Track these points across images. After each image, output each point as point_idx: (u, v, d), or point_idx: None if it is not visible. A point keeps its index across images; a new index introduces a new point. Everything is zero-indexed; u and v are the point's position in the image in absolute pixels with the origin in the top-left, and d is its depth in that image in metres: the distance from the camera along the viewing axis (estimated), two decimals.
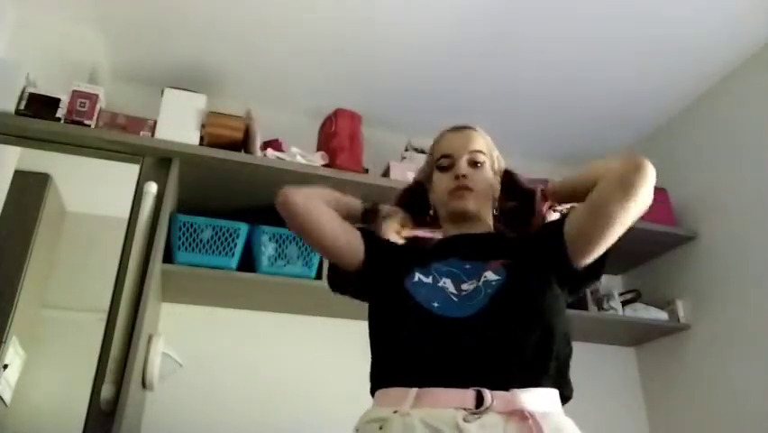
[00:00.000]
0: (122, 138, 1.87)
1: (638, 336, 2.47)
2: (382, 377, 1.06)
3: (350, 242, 1.20)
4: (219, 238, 1.89)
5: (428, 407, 0.92)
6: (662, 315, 2.35)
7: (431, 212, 1.31)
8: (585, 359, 2.55)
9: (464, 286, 1.08)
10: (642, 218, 2.50)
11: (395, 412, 0.94)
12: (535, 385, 0.97)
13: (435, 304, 1.04)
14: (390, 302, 1.10)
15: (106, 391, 1.51)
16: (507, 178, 1.32)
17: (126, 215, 1.77)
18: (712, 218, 2.33)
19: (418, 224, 1.35)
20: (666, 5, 2.03)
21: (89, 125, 1.87)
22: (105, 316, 1.64)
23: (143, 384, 1.73)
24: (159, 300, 1.98)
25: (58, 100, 1.87)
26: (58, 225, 1.94)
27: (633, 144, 2.75)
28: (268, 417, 2.02)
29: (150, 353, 1.74)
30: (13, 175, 1.86)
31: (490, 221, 1.27)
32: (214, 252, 1.88)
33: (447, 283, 1.09)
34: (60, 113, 1.86)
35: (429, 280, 1.10)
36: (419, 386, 0.95)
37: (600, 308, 2.27)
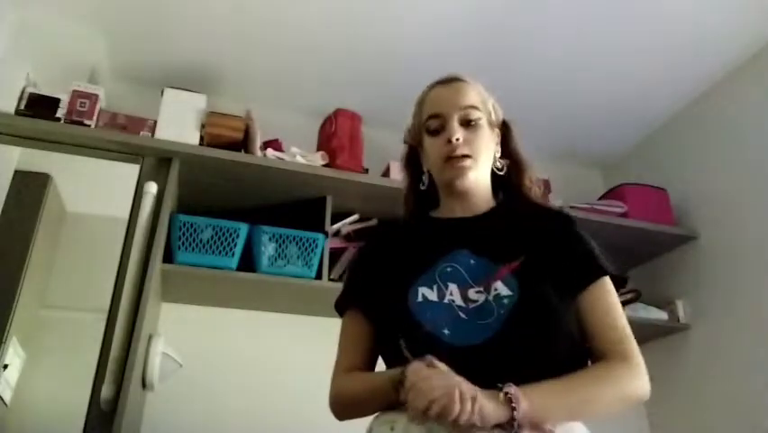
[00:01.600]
0: (122, 138, 1.87)
1: (638, 336, 2.45)
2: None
3: (371, 348, 1.09)
4: (219, 238, 1.89)
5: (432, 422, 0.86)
6: (662, 315, 2.34)
7: (424, 177, 1.18)
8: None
9: (471, 294, 0.99)
10: (642, 218, 2.50)
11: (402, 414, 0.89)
12: None
13: (446, 331, 0.95)
14: (398, 328, 1.00)
15: (106, 391, 1.51)
16: (506, 130, 1.21)
17: (126, 215, 1.77)
18: (712, 218, 2.32)
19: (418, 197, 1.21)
20: (666, 5, 2.03)
21: (89, 125, 1.87)
22: (105, 316, 1.64)
23: (143, 384, 1.73)
24: (159, 300, 1.98)
25: (58, 100, 1.87)
26: (58, 225, 1.94)
27: (633, 144, 2.75)
28: (268, 417, 2.02)
29: (150, 353, 1.74)
30: (13, 175, 1.86)
31: (489, 187, 1.16)
32: (214, 252, 1.88)
33: (454, 293, 1.00)
34: (60, 113, 1.86)
35: (434, 295, 1.00)
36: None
37: None
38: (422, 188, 1.18)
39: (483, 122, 1.13)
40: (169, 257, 1.83)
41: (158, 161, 1.89)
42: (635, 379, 1.00)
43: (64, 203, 1.95)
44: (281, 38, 2.19)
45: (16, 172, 1.87)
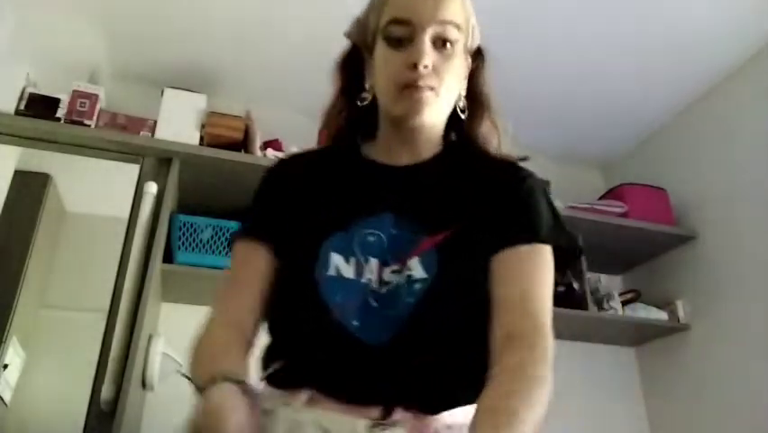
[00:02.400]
0: (122, 138, 1.87)
1: (638, 336, 2.47)
2: (275, 371, 0.79)
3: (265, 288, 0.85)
4: (219, 238, 1.89)
5: (323, 409, 0.73)
6: (662, 315, 2.34)
7: (365, 94, 0.91)
8: (585, 359, 2.57)
9: (387, 274, 0.79)
10: (642, 218, 2.50)
11: (284, 405, 0.74)
12: (456, 405, 0.75)
13: (355, 322, 0.76)
14: (300, 304, 0.80)
15: (106, 391, 1.51)
16: (479, 62, 0.96)
17: (126, 215, 1.78)
18: (712, 218, 2.32)
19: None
20: (666, 6, 2.03)
21: (89, 125, 1.87)
22: (105, 316, 1.64)
23: (143, 384, 1.73)
24: (159, 300, 1.98)
25: (58, 100, 1.87)
26: (58, 225, 1.94)
27: (633, 144, 2.75)
28: None
29: (150, 353, 1.74)
30: (13, 175, 1.86)
31: (443, 130, 0.92)
32: (214, 252, 1.88)
33: (373, 269, 0.79)
34: (60, 113, 1.86)
35: (351, 271, 0.79)
36: (317, 390, 0.74)
37: (600, 308, 2.27)
38: (359, 104, 0.91)
39: (460, 47, 0.87)
40: (169, 257, 1.83)
41: (158, 161, 1.89)
42: (547, 384, 0.72)
43: (64, 203, 1.95)
44: (281, 38, 2.19)
45: (16, 172, 1.87)
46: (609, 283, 2.52)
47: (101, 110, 1.93)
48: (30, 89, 1.86)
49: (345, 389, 0.73)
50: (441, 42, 0.85)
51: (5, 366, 1.67)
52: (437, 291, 0.76)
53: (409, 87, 0.83)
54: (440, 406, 0.74)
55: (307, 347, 0.78)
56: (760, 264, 2.09)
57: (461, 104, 0.91)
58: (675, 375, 2.37)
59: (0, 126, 1.77)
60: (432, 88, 0.83)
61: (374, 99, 0.91)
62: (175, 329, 1.99)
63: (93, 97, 1.91)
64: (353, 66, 0.94)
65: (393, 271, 0.79)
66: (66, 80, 1.95)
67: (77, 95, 1.89)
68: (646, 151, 2.71)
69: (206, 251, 1.87)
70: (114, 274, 1.69)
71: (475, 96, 0.93)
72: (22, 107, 1.83)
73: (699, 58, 2.27)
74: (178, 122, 1.98)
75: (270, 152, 2.06)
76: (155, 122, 1.95)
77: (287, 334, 0.82)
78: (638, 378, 2.54)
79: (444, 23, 0.84)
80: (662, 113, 2.57)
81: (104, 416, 1.50)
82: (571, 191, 2.56)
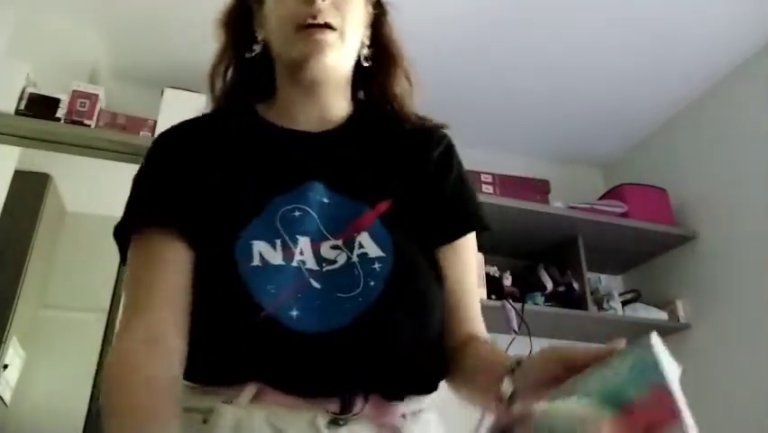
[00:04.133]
0: (122, 138, 1.87)
1: (638, 336, 2.46)
2: (205, 364, 0.67)
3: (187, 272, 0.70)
4: None
5: (275, 405, 0.64)
6: (662, 315, 2.34)
7: (256, 47, 0.81)
8: None
9: (325, 250, 0.70)
10: (642, 218, 2.50)
11: (225, 402, 0.64)
12: (414, 394, 0.72)
13: (294, 313, 0.66)
14: (225, 305, 0.67)
15: None
16: (380, 11, 0.86)
17: None
18: (712, 218, 2.32)
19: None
20: (666, 6, 2.03)
21: (89, 125, 1.87)
22: (105, 316, 1.64)
23: None
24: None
25: (58, 100, 1.87)
26: (58, 225, 1.94)
27: (633, 144, 2.75)
28: None
29: None
30: (13, 175, 1.86)
31: (350, 84, 0.84)
32: None
33: (305, 249, 0.69)
34: (60, 113, 1.86)
35: (279, 255, 0.68)
36: (262, 382, 0.65)
37: (600, 308, 2.27)
38: (248, 55, 0.83)
39: None
40: None
41: None
42: None
43: (64, 203, 1.95)
44: None
45: (16, 172, 1.87)
46: (609, 283, 2.53)
47: (101, 110, 1.93)
48: (30, 89, 1.86)
49: (296, 382, 0.65)
50: None
51: (5, 366, 1.67)
52: (402, 273, 0.69)
53: (308, 28, 0.74)
54: (403, 392, 0.69)
55: (242, 348, 0.66)
56: (760, 264, 2.09)
57: (365, 52, 0.82)
58: None
59: (0, 126, 1.77)
60: (333, 29, 0.74)
61: (268, 55, 0.81)
62: None
63: (93, 97, 1.91)
64: (240, 20, 0.85)
65: (334, 247, 0.70)
66: (66, 80, 1.95)
67: (77, 95, 1.90)
68: (646, 151, 2.71)
69: None
70: (114, 274, 1.69)
71: (382, 45, 0.84)
72: (22, 107, 1.83)
73: (699, 58, 2.27)
74: (178, 122, 1.98)
75: None
76: (155, 122, 1.96)
77: (214, 339, 0.67)
78: None
79: None
80: (662, 112, 2.57)
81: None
82: (571, 191, 2.56)
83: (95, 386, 1.55)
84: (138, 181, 0.77)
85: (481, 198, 2.06)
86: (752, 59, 2.24)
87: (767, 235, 2.08)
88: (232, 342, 0.66)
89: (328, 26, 0.74)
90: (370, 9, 0.84)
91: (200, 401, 0.65)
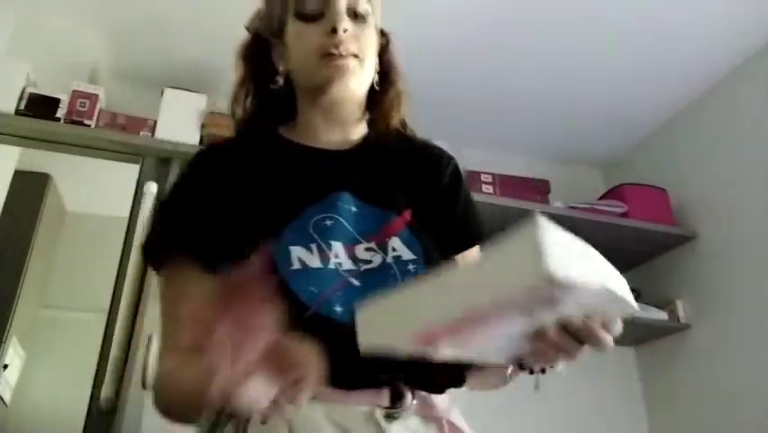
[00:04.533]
0: (122, 138, 1.87)
1: (638, 336, 2.47)
2: None
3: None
4: None
5: (333, 402, 0.69)
6: (662, 315, 2.34)
7: (279, 78, 0.88)
8: (585, 359, 2.56)
9: (360, 252, 0.76)
10: (642, 218, 2.49)
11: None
12: (449, 388, 0.79)
13: (338, 308, 0.71)
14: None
15: (106, 391, 1.51)
16: (386, 41, 0.96)
17: (126, 215, 1.78)
18: (712, 218, 2.32)
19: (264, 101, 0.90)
20: (666, 6, 2.03)
21: (89, 125, 1.87)
22: (105, 316, 1.64)
23: (143, 384, 1.73)
24: (159, 300, 1.97)
25: (58, 100, 1.87)
26: (58, 225, 1.94)
27: (633, 144, 2.75)
28: None
29: (150, 353, 1.74)
30: (13, 175, 1.86)
31: (364, 107, 0.92)
32: None
33: (339, 253, 0.75)
34: (60, 113, 1.86)
35: (316, 258, 0.74)
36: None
37: None
38: (272, 87, 0.88)
39: (371, 20, 0.88)
40: None
41: (158, 162, 1.89)
42: None
43: (64, 203, 1.95)
44: None
45: (16, 172, 1.87)
46: None
47: (101, 110, 1.93)
48: (30, 89, 1.86)
49: (348, 376, 0.69)
50: (353, 14, 0.85)
51: (5, 366, 1.67)
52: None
53: (331, 56, 0.81)
54: (441, 384, 0.76)
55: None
56: (760, 264, 2.09)
57: (375, 77, 0.90)
58: (675, 375, 2.37)
59: (0, 126, 1.77)
60: (355, 56, 0.83)
61: (288, 83, 0.89)
62: None
63: (93, 97, 1.91)
64: (258, 53, 0.92)
65: (368, 249, 0.77)
66: (66, 80, 1.95)
67: (77, 95, 1.90)
68: (646, 151, 2.71)
69: None
70: (114, 274, 1.69)
71: (387, 71, 0.93)
72: (22, 107, 1.83)
73: (699, 58, 2.27)
74: (178, 122, 1.98)
75: None
76: (155, 122, 1.95)
77: None
78: (638, 378, 2.54)
79: None
80: (662, 113, 2.57)
81: (104, 416, 1.50)
82: (571, 191, 2.56)
83: (95, 386, 1.55)
84: (165, 209, 0.85)
85: (481, 198, 2.04)
86: (752, 59, 2.24)
87: (767, 235, 2.08)
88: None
89: (349, 54, 0.82)
90: (379, 38, 0.92)
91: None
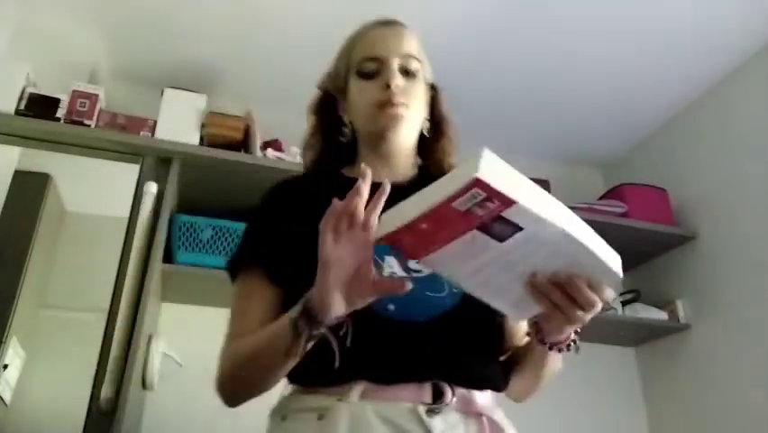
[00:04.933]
0: (122, 138, 1.87)
1: (638, 336, 2.47)
2: (315, 369, 0.81)
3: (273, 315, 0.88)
4: (219, 238, 1.89)
5: (381, 400, 0.80)
6: (662, 315, 2.34)
7: (346, 130, 1.04)
8: (585, 359, 2.55)
9: (412, 264, 0.88)
10: (642, 218, 2.50)
11: (339, 400, 0.80)
12: (492, 388, 0.90)
13: (390, 306, 0.83)
14: None
15: (106, 391, 1.51)
16: (435, 93, 1.09)
17: (126, 215, 1.78)
18: (712, 218, 2.32)
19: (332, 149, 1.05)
20: (666, 6, 2.03)
21: (89, 125, 1.88)
22: (105, 316, 1.64)
23: (143, 384, 1.73)
24: (159, 300, 1.98)
25: (58, 100, 1.87)
26: (58, 225, 1.94)
27: (633, 144, 2.75)
28: (267, 417, 2.01)
29: (150, 353, 1.74)
30: (13, 175, 1.86)
31: (415, 150, 1.06)
32: (214, 252, 1.88)
33: (392, 264, 0.87)
34: (60, 113, 1.86)
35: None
36: (367, 380, 0.81)
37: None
38: (342, 140, 1.05)
39: (421, 75, 1.02)
40: (168, 257, 1.83)
41: (158, 161, 1.89)
42: None
43: (64, 203, 1.95)
44: (282, 38, 2.19)
45: (16, 172, 1.87)
46: None
47: (101, 110, 1.93)
48: (30, 89, 1.86)
49: (394, 370, 0.81)
50: (405, 71, 1.00)
51: (5, 366, 1.67)
52: None
53: (385, 105, 0.97)
54: (480, 382, 0.87)
55: (352, 341, 0.77)
56: (760, 264, 2.09)
57: (426, 126, 1.05)
58: (675, 375, 2.37)
59: (0, 126, 1.77)
60: (405, 105, 0.97)
61: (351, 132, 1.05)
62: (175, 329, 1.99)
63: (93, 97, 1.91)
64: (326, 107, 1.09)
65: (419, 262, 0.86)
66: (66, 80, 1.95)
67: (77, 95, 1.89)
68: (646, 151, 2.71)
69: (206, 251, 1.87)
70: (114, 274, 1.69)
71: (437, 123, 1.08)
72: (22, 107, 1.83)
73: (699, 58, 2.27)
74: (178, 122, 1.98)
75: (270, 152, 2.06)
76: (155, 122, 1.95)
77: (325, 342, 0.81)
78: (638, 378, 2.54)
79: (407, 55, 1.01)
80: (662, 113, 2.57)
81: (104, 416, 1.50)
82: (571, 191, 2.56)
83: (95, 386, 1.55)
84: (246, 229, 1.03)
85: None
86: (752, 59, 2.24)
87: (767, 235, 2.08)
88: (338, 326, 0.77)
89: (400, 104, 0.97)
90: (428, 91, 1.07)
91: (313, 401, 0.82)
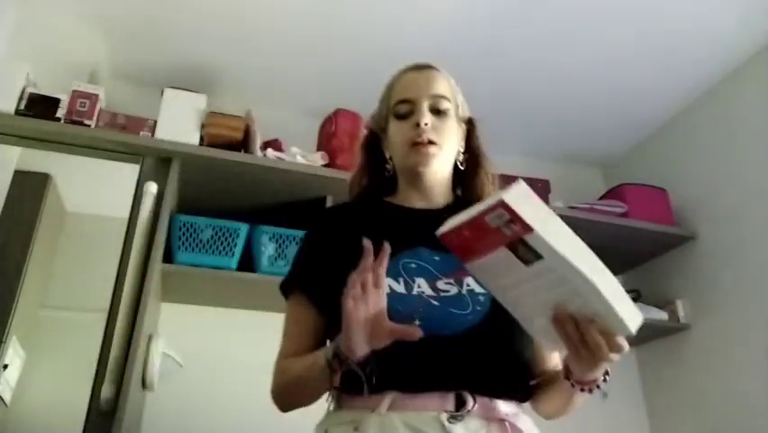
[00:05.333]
0: (122, 138, 1.87)
1: (638, 336, 2.43)
2: (348, 382, 0.90)
3: (317, 336, 1.03)
4: (219, 238, 1.89)
5: (407, 410, 0.89)
6: (663, 315, 2.34)
7: (388, 166, 1.16)
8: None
9: (440, 285, 0.97)
10: (642, 218, 2.50)
11: (371, 412, 0.89)
12: (513, 398, 0.96)
13: (417, 322, 0.90)
14: None
15: (106, 391, 1.51)
16: (471, 127, 1.19)
17: (126, 215, 1.78)
18: (712, 218, 2.32)
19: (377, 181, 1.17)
20: (666, 6, 2.03)
21: (89, 125, 1.87)
22: (105, 316, 1.64)
23: (143, 384, 1.73)
24: (159, 300, 1.98)
25: (58, 100, 1.87)
26: (58, 225, 1.94)
27: (633, 144, 2.75)
28: (267, 417, 2.01)
29: (150, 353, 1.74)
30: (13, 175, 1.86)
31: (450, 181, 1.16)
32: (214, 252, 1.88)
33: (422, 285, 0.97)
34: (60, 113, 1.86)
35: (402, 287, 0.97)
36: (396, 390, 0.90)
37: None
38: (387, 174, 1.16)
39: (451, 113, 1.12)
40: (169, 257, 1.83)
41: (158, 161, 1.89)
42: None
43: (64, 203, 1.95)
44: (282, 38, 2.19)
45: (16, 172, 1.87)
46: None
47: (101, 110, 1.93)
48: (30, 89, 1.86)
49: (420, 380, 0.89)
50: (436, 111, 1.09)
51: (5, 366, 1.67)
52: (500, 305, 0.86)
53: (416, 145, 1.07)
54: (502, 393, 0.93)
55: (381, 353, 0.86)
56: (760, 264, 2.09)
57: (461, 158, 1.15)
58: (676, 375, 2.37)
59: (0, 126, 1.77)
60: (434, 143, 1.07)
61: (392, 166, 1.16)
62: (175, 329, 1.99)
63: (93, 97, 1.91)
64: (372, 144, 1.20)
65: (448, 283, 0.98)
66: (66, 80, 1.95)
67: (77, 95, 1.89)
68: (646, 151, 2.71)
69: (206, 251, 1.87)
70: (114, 274, 1.69)
71: (473, 154, 1.17)
72: (22, 107, 1.83)
73: (699, 58, 2.27)
74: (178, 122, 1.98)
75: (270, 152, 2.06)
76: (155, 122, 1.95)
77: None
78: (638, 378, 2.54)
79: (436, 96, 1.10)
80: (662, 113, 2.57)
81: (104, 416, 1.50)
82: (571, 191, 2.56)
83: (95, 386, 1.55)
84: (298, 251, 1.15)
85: None
86: (752, 59, 2.24)
87: (767, 235, 2.08)
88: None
89: (431, 142, 1.07)
90: (463, 126, 1.16)
91: (351, 414, 0.92)
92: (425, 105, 1.09)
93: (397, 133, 1.11)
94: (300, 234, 1.95)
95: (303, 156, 2.10)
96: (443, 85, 1.13)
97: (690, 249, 2.39)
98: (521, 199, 0.68)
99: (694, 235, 2.37)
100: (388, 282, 0.94)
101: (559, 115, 2.57)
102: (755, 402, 2.02)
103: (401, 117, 1.11)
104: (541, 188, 2.36)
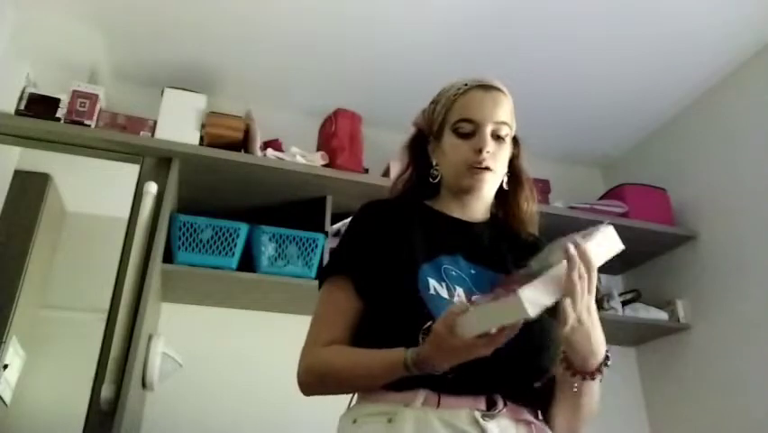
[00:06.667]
0: (122, 138, 1.87)
1: (638, 336, 2.47)
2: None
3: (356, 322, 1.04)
4: (219, 238, 1.89)
5: (441, 407, 0.91)
6: (662, 315, 2.34)
7: (434, 171, 1.16)
8: None
9: (475, 298, 0.98)
10: (642, 218, 2.50)
11: (405, 406, 0.91)
12: (536, 406, 1.01)
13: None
14: (406, 313, 0.96)
15: (106, 391, 1.51)
16: (516, 146, 1.20)
17: (126, 215, 1.78)
18: (712, 218, 2.32)
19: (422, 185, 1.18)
20: (666, 6, 2.03)
21: (89, 125, 1.88)
22: (105, 316, 1.64)
23: (143, 384, 1.73)
24: (159, 300, 1.98)
25: (58, 100, 1.87)
26: (58, 225, 1.94)
27: (633, 144, 2.75)
28: (267, 417, 2.02)
29: (150, 353, 1.74)
30: (13, 175, 1.86)
31: (492, 198, 1.17)
32: (214, 252, 1.88)
33: (461, 294, 1.00)
34: (60, 113, 1.86)
35: (445, 292, 0.99)
36: (429, 389, 0.92)
37: (600, 308, 2.27)
38: (432, 181, 1.16)
39: (509, 139, 1.13)
40: (169, 257, 1.83)
41: (158, 161, 1.89)
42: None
43: (64, 203, 1.95)
44: (281, 38, 2.19)
45: (16, 172, 1.87)
46: (609, 283, 2.53)
47: (101, 110, 1.93)
48: (30, 89, 1.86)
49: (454, 383, 0.90)
50: (496, 136, 1.10)
51: (5, 366, 1.67)
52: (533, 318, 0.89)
53: (475, 168, 1.08)
54: (530, 398, 0.98)
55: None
56: (760, 264, 2.09)
57: (505, 179, 1.16)
58: (675, 375, 2.37)
59: (0, 126, 1.77)
60: (491, 169, 1.09)
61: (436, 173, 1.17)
62: (175, 329, 1.99)
63: (93, 97, 1.91)
64: (418, 146, 1.20)
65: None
66: (66, 80, 1.95)
67: (77, 95, 1.90)
68: (646, 151, 2.71)
69: (206, 251, 1.87)
70: (114, 274, 1.69)
71: (515, 173, 1.18)
72: (22, 107, 1.83)
73: (699, 58, 2.27)
74: (178, 122, 1.98)
75: (270, 152, 2.06)
76: (155, 122, 1.96)
77: (402, 343, 0.92)
78: (638, 378, 2.54)
79: (499, 122, 1.10)
80: (662, 113, 2.57)
81: (104, 416, 1.50)
82: (571, 191, 2.56)
83: (95, 386, 1.55)
84: (341, 240, 1.14)
85: None
86: (752, 59, 2.24)
87: (767, 235, 2.08)
88: (411, 336, 0.91)
89: (488, 168, 1.08)
90: (511, 148, 1.16)
91: (384, 406, 0.94)
92: (488, 130, 1.09)
93: (454, 151, 1.10)
94: (300, 234, 1.95)
95: (303, 156, 2.10)
96: (506, 110, 1.13)
97: (690, 249, 2.39)
98: (536, 295, 0.80)
99: (694, 235, 2.37)
100: (432, 284, 0.99)
101: (559, 115, 2.57)
102: (755, 402, 2.02)
103: (462, 136, 1.10)
104: (541, 188, 2.36)
